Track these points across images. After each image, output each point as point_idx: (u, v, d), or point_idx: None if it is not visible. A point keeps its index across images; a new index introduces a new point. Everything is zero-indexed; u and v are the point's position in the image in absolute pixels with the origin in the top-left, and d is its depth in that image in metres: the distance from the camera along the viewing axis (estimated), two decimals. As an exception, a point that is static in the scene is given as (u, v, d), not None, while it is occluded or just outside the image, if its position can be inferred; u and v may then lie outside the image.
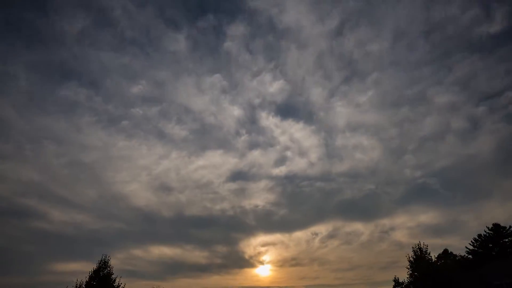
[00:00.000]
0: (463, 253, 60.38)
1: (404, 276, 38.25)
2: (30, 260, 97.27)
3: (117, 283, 34.12)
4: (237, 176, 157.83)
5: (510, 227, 57.07)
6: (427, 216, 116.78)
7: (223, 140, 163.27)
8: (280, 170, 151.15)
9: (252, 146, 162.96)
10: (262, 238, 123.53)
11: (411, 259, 35.78)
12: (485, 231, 59.32)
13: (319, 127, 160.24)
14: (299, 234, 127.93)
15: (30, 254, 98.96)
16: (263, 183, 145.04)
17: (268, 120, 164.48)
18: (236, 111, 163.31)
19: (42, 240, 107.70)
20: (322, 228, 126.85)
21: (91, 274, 32.39)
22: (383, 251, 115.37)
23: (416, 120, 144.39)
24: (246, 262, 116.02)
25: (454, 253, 63.92)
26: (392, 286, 44.98)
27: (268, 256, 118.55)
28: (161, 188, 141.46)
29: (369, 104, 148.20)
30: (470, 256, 59.70)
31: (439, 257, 55.14)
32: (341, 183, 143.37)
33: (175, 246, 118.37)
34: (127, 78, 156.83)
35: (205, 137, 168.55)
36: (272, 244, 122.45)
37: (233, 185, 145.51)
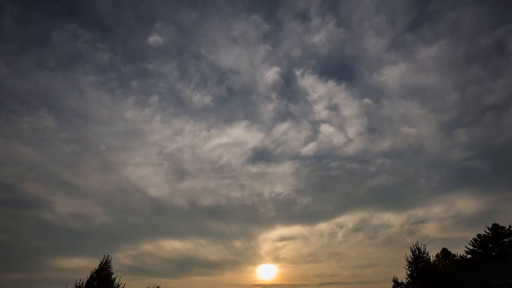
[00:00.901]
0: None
1: (403, 276, 38.22)
2: (31, 255, 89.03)
3: (117, 283, 34.28)
4: (260, 156, 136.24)
5: (509, 227, 57.18)
6: (465, 206, 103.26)
7: (250, 108, 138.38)
8: (310, 148, 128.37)
9: (282, 116, 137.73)
10: (281, 231, 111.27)
11: (410, 259, 35.86)
12: (484, 231, 59.45)
13: (365, 90, 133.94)
14: (322, 227, 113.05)
15: (31, 248, 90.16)
16: (287, 166, 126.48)
17: (305, 80, 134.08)
18: (271, 68, 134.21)
19: (42, 232, 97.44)
20: (349, 219, 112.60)
21: (92, 274, 32.59)
22: (408, 246, 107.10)
23: (485, 80, 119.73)
24: (261, 259, 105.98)
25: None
26: (392, 287, 44.98)
27: (285, 252, 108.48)
28: (174, 172, 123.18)
29: (434, 60, 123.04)
30: (470, 256, 59.76)
31: (438, 257, 55.13)
32: (378, 165, 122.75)
33: (187, 240, 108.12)
34: (141, 20, 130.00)
35: (230, 104, 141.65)
36: (291, 238, 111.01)
37: (253, 168, 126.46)
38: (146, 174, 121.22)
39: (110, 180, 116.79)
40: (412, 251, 36.16)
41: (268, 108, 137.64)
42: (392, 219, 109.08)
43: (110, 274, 34.08)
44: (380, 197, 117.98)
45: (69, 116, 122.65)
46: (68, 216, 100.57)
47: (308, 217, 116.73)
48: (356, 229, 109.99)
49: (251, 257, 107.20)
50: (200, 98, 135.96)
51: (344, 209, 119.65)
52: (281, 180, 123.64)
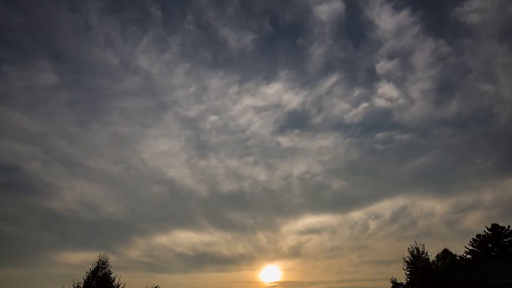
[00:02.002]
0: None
1: (402, 277, 38.16)
2: (33, 248, 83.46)
3: (116, 283, 34.23)
4: (296, 122, 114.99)
5: (509, 227, 57.05)
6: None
7: (295, 54, 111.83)
8: (358, 112, 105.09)
9: (332, 65, 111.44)
10: (308, 220, 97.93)
11: (408, 259, 35.75)
12: (484, 231, 59.34)
13: (442, 27, 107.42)
14: (355, 216, 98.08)
15: (34, 241, 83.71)
16: (325, 137, 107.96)
17: (371, 8, 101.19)
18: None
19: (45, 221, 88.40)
20: (387, 207, 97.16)
21: (89, 274, 32.54)
22: (443, 239, 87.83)
23: None
24: (282, 254, 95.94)
25: None
26: (391, 287, 44.94)
27: (308, 246, 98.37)
28: (194, 146, 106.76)
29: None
30: (470, 256, 59.65)
31: (438, 257, 55.02)
32: (434, 138, 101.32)
33: (204, 231, 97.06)
34: None
35: (271, 48, 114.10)
36: (317, 231, 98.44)
37: (284, 141, 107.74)
38: (162, 150, 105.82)
39: (122, 158, 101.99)
40: (410, 251, 36.07)
41: (317, 52, 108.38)
42: (437, 206, 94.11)
43: (109, 273, 34.00)
44: (429, 178, 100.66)
45: (70, 65, 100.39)
46: (75, 204, 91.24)
47: (341, 204, 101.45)
48: (393, 219, 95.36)
49: (271, 252, 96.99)
50: (236, 37, 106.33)
51: (384, 195, 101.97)
52: (314, 157, 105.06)
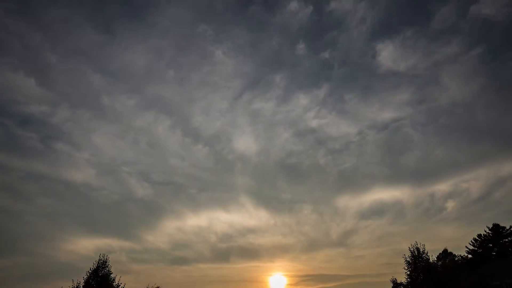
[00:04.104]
0: None
1: (402, 277, 38.09)
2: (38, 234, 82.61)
3: (117, 283, 34.22)
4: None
5: (510, 227, 57.06)
6: None
7: None
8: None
9: None
10: (376, 195, 78.13)
11: (408, 259, 35.72)
12: (485, 231, 59.35)
13: None
14: (438, 189, 72.12)
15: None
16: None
17: None
18: None
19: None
20: (483, 176, 71.42)
21: (89, 275, 32.51)
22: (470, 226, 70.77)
23: None
24: (329, 241, 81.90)
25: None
26: (391, 287, 44.89)
27: (365, 231, 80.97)
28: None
29: None
30: (470, 256, 59.68)
31: (438, 257, 55.10)
32: None
33: (246, 211, 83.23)
34: None
35: None
36: (381, 211, 78.11)
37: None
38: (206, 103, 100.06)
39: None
40: (411, 251, 36.04)
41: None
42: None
43: (109, 274, 33.98)
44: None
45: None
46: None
47: (422, 173, 75.75)
48: (484, 194, 68.22)
49: (319, 240, 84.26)
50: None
51: (484, 158, 74.43)
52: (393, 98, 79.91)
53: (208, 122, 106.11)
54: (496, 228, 57.93)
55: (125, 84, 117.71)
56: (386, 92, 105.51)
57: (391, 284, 43.90)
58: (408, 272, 35.75)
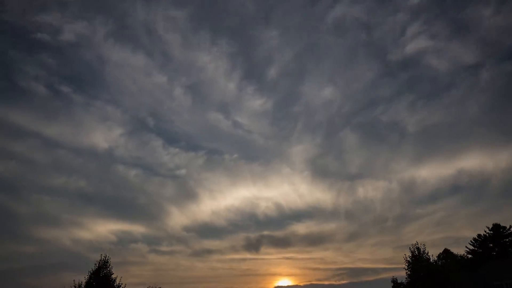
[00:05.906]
0: None
1: (403, 276, 38.17)
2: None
3: (117, 283, 34.23)
4: None
5: (510, 227, 57.09)
6: None
7: None
8: None
9: None
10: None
11: (408, 259, 35.78)
12: (485, 231, 59.38)
13: None
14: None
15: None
16: None
17: None
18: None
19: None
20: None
21: (91, 275, 32.56)
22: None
23: None
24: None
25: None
26: (391, 287, 44.99)
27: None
28: None
29: None
30: (470, 256, 59.73)
31: (439, 257, 55.13)
32: None
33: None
34: None
35: None
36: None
37: None
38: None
39: None
40: (411, 251, 36.11)
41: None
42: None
43: (110, 274, 34.02)
44: None
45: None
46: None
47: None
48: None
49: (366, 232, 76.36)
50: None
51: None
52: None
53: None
54: (496, 228, 57.96)
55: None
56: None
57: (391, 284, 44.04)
58: (409, 272, 35.84)
